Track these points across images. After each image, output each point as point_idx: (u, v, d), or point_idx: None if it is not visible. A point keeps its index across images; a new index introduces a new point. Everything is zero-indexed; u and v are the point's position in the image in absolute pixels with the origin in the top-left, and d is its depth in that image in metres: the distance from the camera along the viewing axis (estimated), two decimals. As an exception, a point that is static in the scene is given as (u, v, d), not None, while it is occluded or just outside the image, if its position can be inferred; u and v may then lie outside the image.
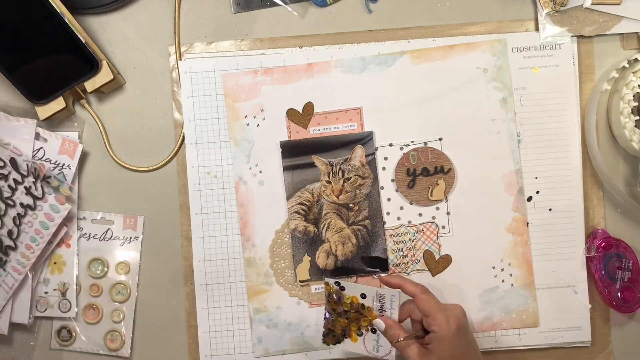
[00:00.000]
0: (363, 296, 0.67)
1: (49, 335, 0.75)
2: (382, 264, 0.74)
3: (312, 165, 0.75)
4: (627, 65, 0.72)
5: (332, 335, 0.69)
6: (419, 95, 0.75)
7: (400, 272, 0.74)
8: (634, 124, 0.72)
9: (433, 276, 0.74)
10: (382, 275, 0.68)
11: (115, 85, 0.75)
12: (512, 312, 0.74)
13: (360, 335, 0.68)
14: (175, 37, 0.75)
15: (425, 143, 0.75)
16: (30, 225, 0.71)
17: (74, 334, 0.75)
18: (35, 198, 0.70)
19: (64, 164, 0.73)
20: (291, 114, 0.75)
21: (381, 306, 0.66)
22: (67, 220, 0.73)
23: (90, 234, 0.75)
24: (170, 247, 0.75)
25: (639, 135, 0.72)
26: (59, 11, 0.68)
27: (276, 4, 0.76)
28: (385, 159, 0.75)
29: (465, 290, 0.74)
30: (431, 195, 0.74)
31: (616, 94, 0.73)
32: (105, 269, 0.75)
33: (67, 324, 0.75)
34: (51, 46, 0.70)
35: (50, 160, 0.73)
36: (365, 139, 0.74)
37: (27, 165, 0.70)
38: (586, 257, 0.74)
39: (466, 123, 0.75)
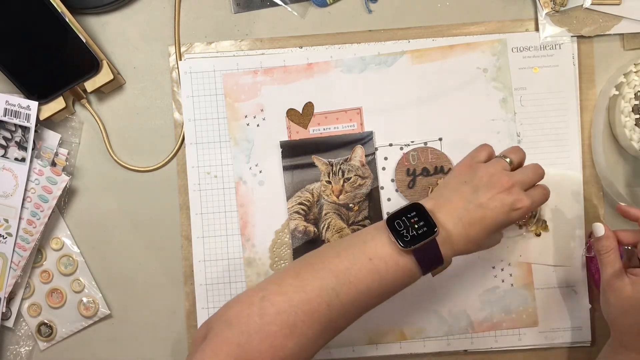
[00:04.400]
0: None
1: (33, 339, 0.75)
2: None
3: (312, 165, 0.75)
4: (634, 70, 0.72)
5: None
6: (419, 95, 0.75)
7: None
8: (634, 122, 0.72)
9: (433, 276, 0.74)
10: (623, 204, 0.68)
11: (115, 85, 0.75)
12: (511, 312, 0.74)
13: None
14: (175, 37, 0.75)
15: (425, 143, 0.75)
16: (30, 200, 0.71)
17: (52, 325, 0.74)
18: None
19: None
20: (291, 114, 0.75)
21: None
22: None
23: None
24: (170, 247, 0.75)
25: (639, 134, 0.72)
26: (59, 11, 0.69)
27: (276, 4, 0.76)
28: (385, 159, 0.75)
29: (465, 290, 0.74)
30: (431, 195, 0.74)
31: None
32: (44, 255, 0.75)
33: (41, 319, 0.74)
34: (51, 46, 0.70)
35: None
36: (365, 139, 0.74)
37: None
38: (586, 257, 0.74)
39: (466, 123, 0.75)
